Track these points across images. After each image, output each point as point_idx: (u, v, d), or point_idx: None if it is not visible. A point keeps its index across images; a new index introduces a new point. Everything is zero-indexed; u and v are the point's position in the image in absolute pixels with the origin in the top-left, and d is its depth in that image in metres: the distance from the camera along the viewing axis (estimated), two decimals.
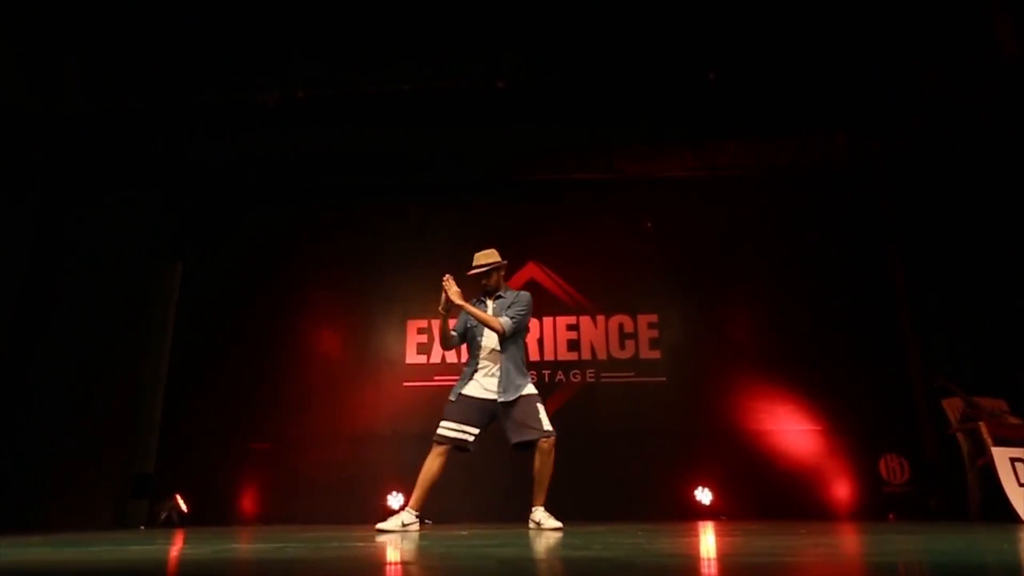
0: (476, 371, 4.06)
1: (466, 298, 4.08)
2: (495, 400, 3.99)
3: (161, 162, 6.90)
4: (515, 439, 3.94)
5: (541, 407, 3.97)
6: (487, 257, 4.20)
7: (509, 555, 2.07)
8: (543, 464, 3.90)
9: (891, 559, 2.00)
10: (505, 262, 4.26)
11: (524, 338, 4.19)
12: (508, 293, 4.23)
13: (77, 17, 6.13)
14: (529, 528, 3.93)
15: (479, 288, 4.26)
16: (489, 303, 4.19)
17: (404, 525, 3.89)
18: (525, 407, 3.94)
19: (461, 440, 3.98)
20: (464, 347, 4.31)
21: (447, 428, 3.99)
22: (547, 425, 3.91)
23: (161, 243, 6.98)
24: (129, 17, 6.10)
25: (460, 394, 4.04)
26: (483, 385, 4.03)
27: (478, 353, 4.07)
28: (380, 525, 3.88)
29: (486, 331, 4.07)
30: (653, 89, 6.54)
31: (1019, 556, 2.07)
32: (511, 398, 3.96)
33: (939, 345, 6.10)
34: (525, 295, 4.21)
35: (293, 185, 7.37)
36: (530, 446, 3.93)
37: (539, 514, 3.96)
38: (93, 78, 6.35)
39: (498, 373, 4.02)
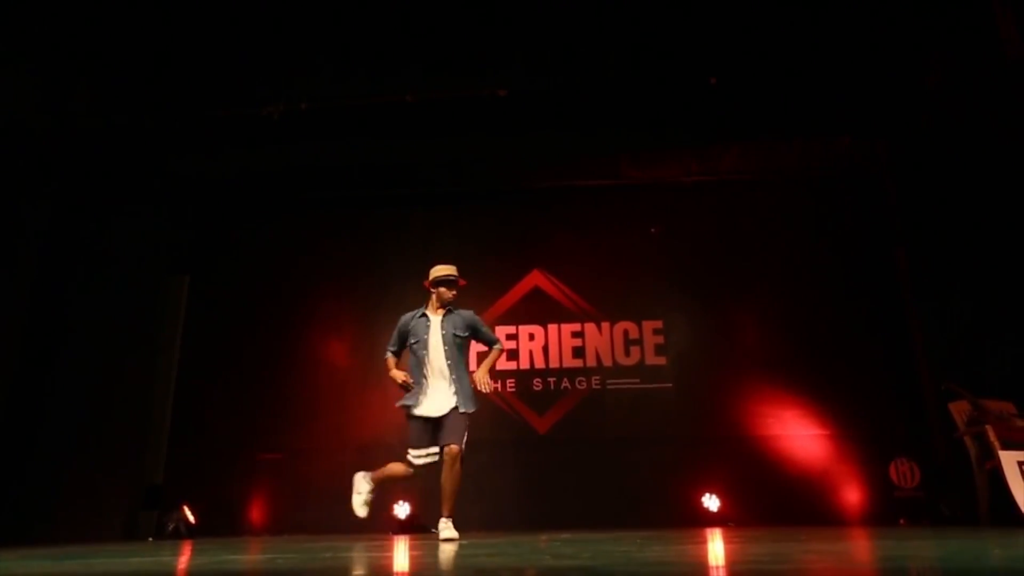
0: (424, 389, 4.00)
1: (408, 307, 4.25)
2: (435, 417, 3.96)
3: (167, 176, 7.00)
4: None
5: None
6: (453, 271, 4.19)
7: (490, 564, 2.08)
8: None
9: (896, 564, 1.98)
10: (455, 292, 4.24)
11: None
12: (457, 310, 4.21)
13: (86, 38, 6.25)
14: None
15: (423, 299, 4.26)
16: (433, 316, 4.15)
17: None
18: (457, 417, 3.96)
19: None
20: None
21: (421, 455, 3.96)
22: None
23: (169, 256, 7.07)
24: (135, 36, 6.21)
25: (416, 415, 3.98)
26: (432, 403, 3.98)
27: (425, 372, 4.03)
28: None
29: (431, 348, 4.04)
30: (656, 95, 6.53)
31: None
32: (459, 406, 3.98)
33: (948, 347, 6.02)
34: (471, 312, 4.24)
35: (298, 197, 7.45)
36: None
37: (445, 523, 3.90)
38: (101, 96, 6.46)
39: (451, 387, 4.00)
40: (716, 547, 2.88)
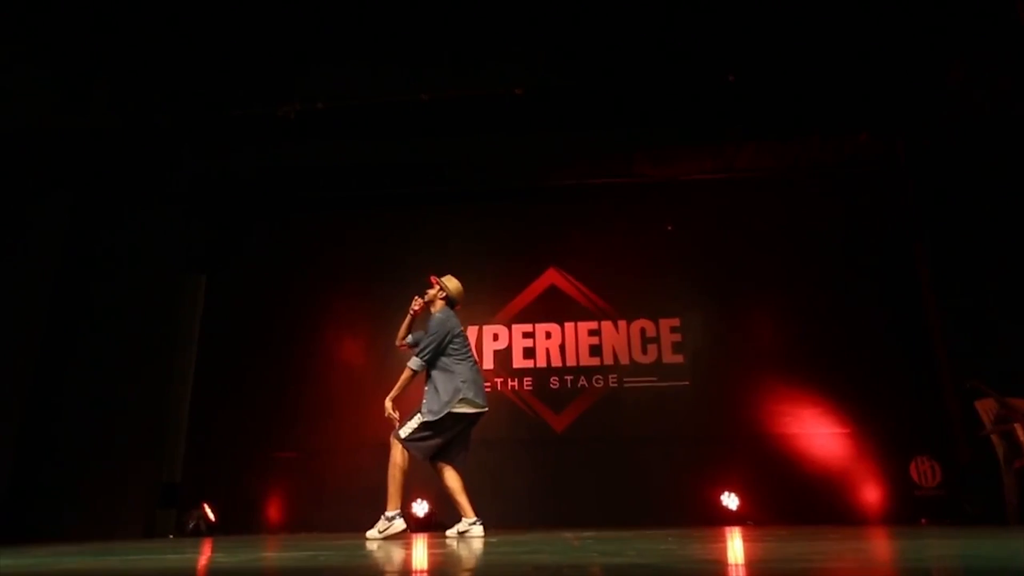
0: None
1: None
2: None
3: (184, 176, 7.00)
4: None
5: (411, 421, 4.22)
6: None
7: (543, 561, 2.07)
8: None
9: (924, 564, 1.96)
10: (430, 292, 4.47)
11: (451, 356, 4.27)
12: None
13: (104, 38, 6.26)
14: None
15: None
16: None
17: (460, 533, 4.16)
18: None
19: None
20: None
21: None
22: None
23: (185, 256, 7.07)
24: (152, 37, 6.22)
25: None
26: None
27: None
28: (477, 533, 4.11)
29: None
30: (672, 92, 6.51)
31: None
32: None
33: (970, 344, 5.99)
34: (433, 320, 4.32)
35: (314, 196, 7.45)
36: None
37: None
38: (119, 96, 6.47)
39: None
40: (751, 545, 2.87)
